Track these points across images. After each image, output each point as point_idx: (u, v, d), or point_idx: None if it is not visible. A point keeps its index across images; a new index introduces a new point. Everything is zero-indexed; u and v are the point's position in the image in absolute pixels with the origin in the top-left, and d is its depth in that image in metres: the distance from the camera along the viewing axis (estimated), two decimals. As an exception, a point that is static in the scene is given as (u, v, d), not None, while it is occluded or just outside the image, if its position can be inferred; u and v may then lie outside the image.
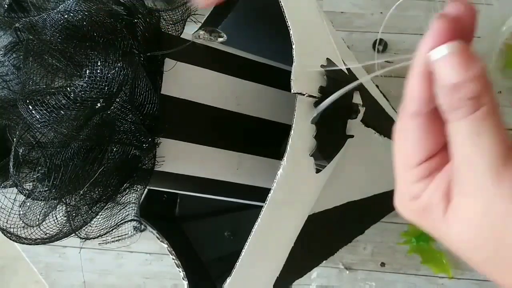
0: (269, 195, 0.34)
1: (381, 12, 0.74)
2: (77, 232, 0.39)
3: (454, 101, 0.19)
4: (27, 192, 0.36)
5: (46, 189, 0.35)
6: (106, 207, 0.39)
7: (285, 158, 0.34)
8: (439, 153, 0.22)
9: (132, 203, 0.43)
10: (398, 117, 0.23)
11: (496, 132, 0.19)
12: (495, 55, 0.65)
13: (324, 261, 0.62)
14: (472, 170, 0.19)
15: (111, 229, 0.42)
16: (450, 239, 0.21)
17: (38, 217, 0.37)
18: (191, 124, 0.43)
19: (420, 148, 0.22)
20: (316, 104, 0.34)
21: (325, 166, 0.37)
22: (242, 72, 0.46)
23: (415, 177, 0.22)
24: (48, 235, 0.38)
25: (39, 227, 0.37)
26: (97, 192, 0.37)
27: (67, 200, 0.37)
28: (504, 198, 0.19)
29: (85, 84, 0.32)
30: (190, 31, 0.45)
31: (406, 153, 0.22)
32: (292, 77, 0.33)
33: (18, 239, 0.37)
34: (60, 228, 0.38)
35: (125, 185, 0.39)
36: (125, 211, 0.43)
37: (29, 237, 0.37)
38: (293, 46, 0.35)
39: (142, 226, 0.62)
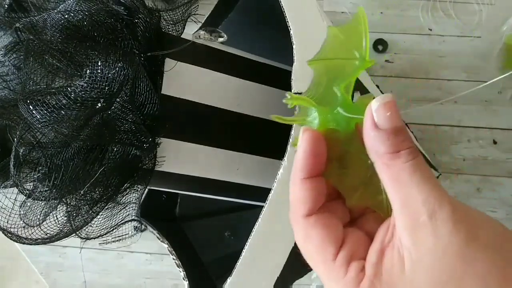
0: (270, 195, 0.34)
1: (381, 12, 0.74)
2: (77, 232, 0.39)
3: (397, 143, 0.21)
4: (27, 192, 0.36)
5: (47, 189, 0.35)
6: (106, 207, 0.39)
7: (285, 158, 0.34)
8: (346, 242, 0.22)
9: (133, 203, 0.43)
10: (292, 222, 0.23)
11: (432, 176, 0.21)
12: (495, 55, 0.65)
13: (324, 261, 0.61)
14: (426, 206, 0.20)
15: (111, 229, 0.42)
16: None
17: (38, 217, 0.37)
18: (192, 124, 0.43)
19: (329, 241, 0.22)
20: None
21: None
22: (242, 72, 0.46)
23: (341, 271, 0.22)
24: (48, 235, 0.38)
25: (40, 227, 0.37)
26: (97, 192, 0.37)
27: (67, 200, 0.37)
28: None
29: (85, 84, 0.32)
30: (191, 31, 0.45)
31: (318, 252, 0.22)
32: (292, 77, 0.33)
33: (19, 239, 0.37)
34: (61, 228, 0.38)
35: (125, 185, 0.39)
36: (125, 211, 0.43)
37: (29, 237, 0.37)
38: (294, 46, 0.35)
39: (143, 226, 0.62)
